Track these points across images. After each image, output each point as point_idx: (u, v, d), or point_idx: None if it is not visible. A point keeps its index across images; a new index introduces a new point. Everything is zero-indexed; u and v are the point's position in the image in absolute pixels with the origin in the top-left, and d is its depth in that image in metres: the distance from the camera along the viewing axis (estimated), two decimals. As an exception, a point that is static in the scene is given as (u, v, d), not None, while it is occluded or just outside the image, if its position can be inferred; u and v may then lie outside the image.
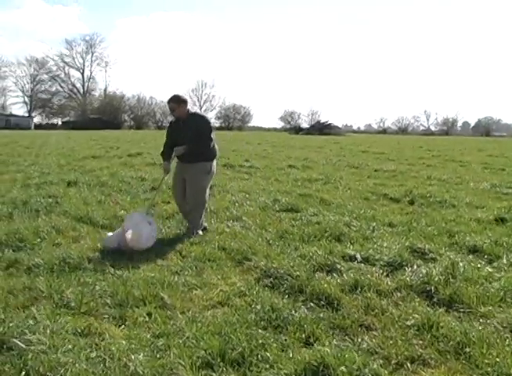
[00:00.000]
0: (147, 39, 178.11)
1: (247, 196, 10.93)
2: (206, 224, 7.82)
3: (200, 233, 7.47)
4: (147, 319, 4.51)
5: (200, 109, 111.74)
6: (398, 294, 5.08)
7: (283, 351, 3.89)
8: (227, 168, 17.27)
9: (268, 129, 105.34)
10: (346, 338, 4.19)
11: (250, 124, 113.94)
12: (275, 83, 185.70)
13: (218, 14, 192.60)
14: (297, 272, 5.52)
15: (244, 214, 8.82)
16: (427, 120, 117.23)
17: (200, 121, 7.68)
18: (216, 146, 7.81)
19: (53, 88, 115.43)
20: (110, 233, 6.98)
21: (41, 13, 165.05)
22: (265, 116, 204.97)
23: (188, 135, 7.39)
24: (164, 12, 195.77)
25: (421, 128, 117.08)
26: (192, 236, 7.27)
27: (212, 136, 7.62)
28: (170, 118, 8.53)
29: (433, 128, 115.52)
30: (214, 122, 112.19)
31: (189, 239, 7.13)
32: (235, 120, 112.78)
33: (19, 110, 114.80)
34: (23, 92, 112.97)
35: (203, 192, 7.62)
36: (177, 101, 7.56)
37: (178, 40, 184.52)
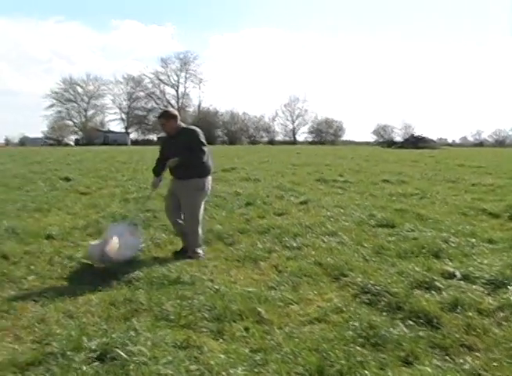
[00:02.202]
0: (239, 55, 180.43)
1: (342, 211, 10.84)
2: (202, 253, 7.40)
3: (201, 252, 7.33)
4: (245, 333, 4.54)
5: (293, 123, 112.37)
6: (501, 313, 4.87)
7: (381, 369, 3.82)
8: (321, 182, 17.23)
9: (361, 143, 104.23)
10: (447, 357, 4.07)
11: (342, 139, 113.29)
12: (368, 96, 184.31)
13: (308, 28, 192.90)
14: (395, 289, 5.42)
15: (339, 229, 8.75)
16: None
17: (191, 134, 7.39)
18: (210, 162, 7.56)
19: (149, 105, 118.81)
20: (93, 243, 7.00)
21: (136, 33, 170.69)
22: (358, 130, 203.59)
23: (179, 149, 7.23)
24: (256, 28, 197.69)
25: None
26: (193, 256, 7.17)
27: (205, 150, 7.33)
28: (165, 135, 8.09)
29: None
30: (307, 137, 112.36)
31: (189, 259, 7.07)
32: (327, 134, 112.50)
33: (116, 126, 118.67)
34: (120, 109, 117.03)
35: (196, 209, 7.40)
36: (166, 116, 7.43)
37: (270, 55, 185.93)
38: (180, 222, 7.53)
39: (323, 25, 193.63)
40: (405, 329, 4.52)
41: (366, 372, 3.73)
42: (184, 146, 7.21)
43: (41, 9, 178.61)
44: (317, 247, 7.53)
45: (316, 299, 5.40)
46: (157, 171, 7.65)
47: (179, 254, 7.32)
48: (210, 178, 7.56)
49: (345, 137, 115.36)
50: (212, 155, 7.65)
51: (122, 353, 4.00)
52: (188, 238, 7.41)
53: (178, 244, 7.74)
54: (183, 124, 7.44)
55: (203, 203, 7.54)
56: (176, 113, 7.52)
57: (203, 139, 7.34)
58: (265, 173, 20.66)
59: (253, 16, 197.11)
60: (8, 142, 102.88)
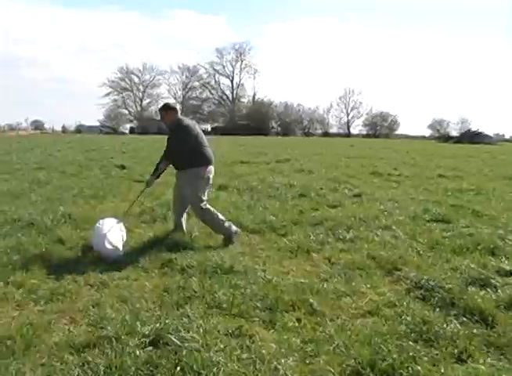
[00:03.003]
0: (295, 45, 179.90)
1: (396, 204, 10.74)
2: (233, 227, 7.52)
3: (234, 228, 7.44)
4: (296, 324, 4.55)
5: (347, 116, 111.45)
6: (560, 313, 4.78)
7: (434, 365, 3.80)
8: (375, 175, 17.09)
9: (416, 137, 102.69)
10: (501, 357, 4.02)
11: (397, 132, 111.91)
12: (425, 90, 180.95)
13: (364, 20, 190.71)
14: (449, 285, 5.36)
15: (393, 223, 8.68)
16: None
17: (177, 127, 7.41)
18: (207, 151, 7.54)
19: (204, 95, 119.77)
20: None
21: (191, 23, 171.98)
22: (413, 124, 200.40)
23: (171, 143, 7.38)
24: (312, 17, 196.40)
25: None
26: (231, 242, 7.30)
27: (188, 141, 7.32)
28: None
29: None
30: (361, 130, 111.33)
31: (231, 247, 7.17)
32: (382, 127, 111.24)
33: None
34: (175, 98, 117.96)
35: (197, 199, 7.37)
36: (165, 108, 7.55)
37: (326, 46, 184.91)
38: (181, 210, 7.77)
39: (380, 16, 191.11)
40: (458, 326, 4.46)
41: (419, 367, 3.70)
42: (175, 139, 7.35)
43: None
44: (370, 241, 7.50)
45: (369, 292, 5.37)
46: (156, 168, 7.67)
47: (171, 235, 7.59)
48: (210, 167, 7.51)
49: (400, 131, 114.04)
50: (207, 145, 7.58)
51: (175, 339, 4.06)
52: (213, 229, 7.56)
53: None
54: (182, 119, 7.47)
55: (202, 190, 7.44)
56: (176, 106, 7.66)
57: (184, 134, 7.34)
58: (318, 165, 20.60)
59: (309, 6, 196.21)
60: (64, 130, 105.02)
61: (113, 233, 6.74)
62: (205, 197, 7.47)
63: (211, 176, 7.55)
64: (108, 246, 6.51)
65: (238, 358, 3.85)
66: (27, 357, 3.91)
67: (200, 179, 7.38)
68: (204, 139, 7.60)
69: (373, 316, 4.77)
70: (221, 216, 7.48)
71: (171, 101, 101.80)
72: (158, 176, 7.69)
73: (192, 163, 7.37)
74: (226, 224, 7.42)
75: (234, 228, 7.46)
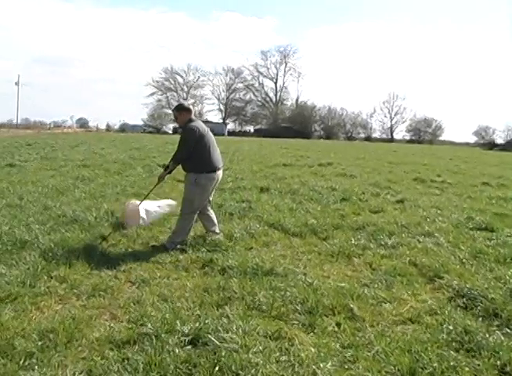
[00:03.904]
0: (340, 49, 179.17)
1: (439, 211, 10.61)
2: (186, 238, 7.34)
3: (173, 246, 7.10)
4: (336, 328, 4.54)
5: (391, 121, 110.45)
6: None
7: (475, 376, 3.75)
8: (418, 182, 16.89)
9: (460, 144, 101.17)
10: (548, 372, 3.94)
11: (441, 138, 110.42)
12: (470, 96, 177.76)
13: (410, 24, 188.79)
14: (492, 295, 5.26)
15: (436, 230, 8.56)
16: None
17: (182, 132, 7.42)
18: (212, 158, 7.33)
19: (247, 97, 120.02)
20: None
21: (237, 25, 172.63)
22: (458, 130, 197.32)
23: (179, 144, 7.33)
24: (356, 22, 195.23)
25: None
26: (166, 244, 7.11)
27: (183, 149, 7.22)
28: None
29: None
30: (404, 135, 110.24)
31: (166, 250, 6.98)
32: (425, 133, 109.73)
33: (214, 117, 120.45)
34: (218, 99, 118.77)
35: (187, 203, 7.30)
36: (178, 109, 7.47)
37: (371, 50, 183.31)
38: (204, 210, 7.65)
39: (427, 20, 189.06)
40: (502, 337, 4.38)
41: (459, 377, 3.66)
42: (180, 141, 7.29)
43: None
44: (412, 247, 7.41)
45: (410, 300, 5.31)
46: (168, 165, 7.63)
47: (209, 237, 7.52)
48: (212, 175, 7.33)
49: (444, 137, 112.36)
50: (215, 152, 7.43)
51: (214, 339, 4.10)
52: (173, 229, 7.45)
53: (273, 236, 7.85)
54: (192, 122, 7.33)
55: (196, 199, 7.30)
56: (189, 107, 7.51)
57: (185, 137, 7.25)
58: (360, 170, 20.47)
59: (354, 10, 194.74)
60: (109, 128, 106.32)
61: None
62: (199, 207, 7.39)
63: (212, 183, 7.41)
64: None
65: (277, 360, 3.86)
66: (68, 350, 3.99)
67: (195, 185, 7.22)
68: (211, 143, 7.39)
69: (414, 324, 4.72)
70: (186, 236, 7.35)
71: (214, 101, 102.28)
72: (170, 172, 7.68)
73: (191, 168, 7.29)
74: (178, 244, 7.16)
75: (175, 247, 7.11)
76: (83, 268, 5.99)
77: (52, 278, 5.62)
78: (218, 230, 7.69)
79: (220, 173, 7.49)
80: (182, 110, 7.43)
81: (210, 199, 7.76)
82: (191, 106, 7.51)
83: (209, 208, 7.71)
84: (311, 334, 4.44)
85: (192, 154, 7.17)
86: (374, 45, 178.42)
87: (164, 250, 6.94)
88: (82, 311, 4.77)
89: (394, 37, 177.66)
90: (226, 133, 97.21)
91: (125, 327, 4.44)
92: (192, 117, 7.41)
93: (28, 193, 10.94)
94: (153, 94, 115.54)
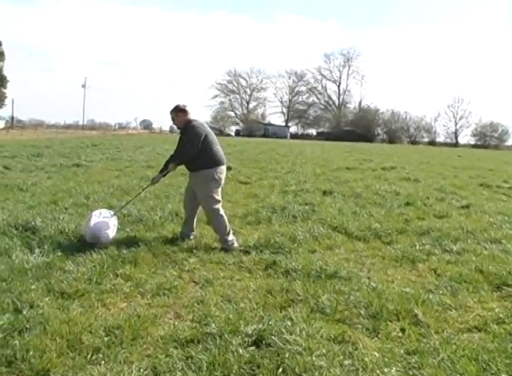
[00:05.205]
0: (403, 51, 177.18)
1: (506, 218, 10.32)
2: (235, 243, 7.32)
3: (231, 238, 7.30)
4: (400, 334, 4.48)
5: (455, 125, 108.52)
6: None
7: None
8: (483, 187, 16.52)
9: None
10: None
11: (507, 144, 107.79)
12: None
13: (476, 26, 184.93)
14: None
15: (503, 237, 8.34)
16: None
17: (184, 130, 7.51)
18: (217, 152, 7.47)
19: (310, 100, 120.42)
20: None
21: (300, 28, 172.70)
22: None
23: (180, 144, 7.47)
24: (420, 23, 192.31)
25: None
26: (225, 246, 7.19)
27: (190, 146, 7.28)
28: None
29: None
30: (469, 140, 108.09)
31: (223, 251, 7.06)
32: (491, 138, 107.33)
33: (276, 119, 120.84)
34: (281, 102, 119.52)
35: (209, 200, 7.35)
36: (175, 110, 7.53)
37: (435, 52, 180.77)
38: (191, 212, 7.71)
39: (491, 21, 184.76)
40: None
41: (530, 388, 3.57)
42: (184, 141, 7.42)
43: (209, 2, 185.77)
44: (478, 254, 7.25)
45: (476, 307, 5.20)
46: (165, 166, 7.76)
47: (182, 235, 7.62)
48: (221, 168, 7.45)
49: (510, 142, 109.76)
50: (218, 146, 7.53)
51: (278, 341, 4.10)
52: (215, 230, 7.48)
53: (337, 239, 7.83)
54: (191, 121, 7.47)
55: (215, 193, 7.40)
56: (185, 108, 7.56)
57: (191, 135, 7.34)
58: (424, 174, 20.20)
59: (419, 11, 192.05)
60: (172, 130, 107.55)
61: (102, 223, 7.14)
62: (218, 197, 7.44)
63: (223, 176, 7.50)
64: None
65: (340, 364, 3.83)
66: (133, 347, 4.05)
67: (211, 181, 7.33)
68: (215, 139, 7.56)
69: (480, 332, 4.61)
70: (228, 226, 7.39)
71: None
72: (165, 175, 7.80)
73: (202, 165, 7.35)
74: (230, 237, 7.31)
75: (235, 244, 7.30)
76: (148, 267, 6.11)
77: (117, 276, 5.74)
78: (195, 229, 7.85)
79: (225, 168, 7.61)
80: (178, 112, 7.55)
81: None
82: (187, 108, 7.60)
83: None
84: (375, 338, 4.39)
85: (200, 151, 7.29)
86: (439, 47, 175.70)
87: (226, 251, 7.02)
88: (147, 309, 4.84)
89: (459, 38, 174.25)
90: (289, 136, 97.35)
91: (189, 327, 4.48)
92: (190, 117, 7.54)
93: (94, 193, 11.24)
94: (216, 96, 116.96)
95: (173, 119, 7.64)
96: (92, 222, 7.05)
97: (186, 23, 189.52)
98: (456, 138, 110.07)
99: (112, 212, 7.62)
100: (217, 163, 7.41)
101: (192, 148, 7.27)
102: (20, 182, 12.61)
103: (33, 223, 7.70)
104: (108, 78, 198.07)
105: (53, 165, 17.68)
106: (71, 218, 8.27)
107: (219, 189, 7.47)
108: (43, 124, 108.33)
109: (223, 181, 7.56)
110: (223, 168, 7.52)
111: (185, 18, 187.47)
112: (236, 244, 7.25)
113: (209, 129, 7.59)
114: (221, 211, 7.39)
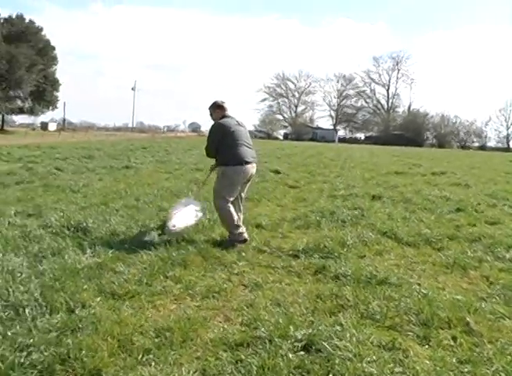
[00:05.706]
0: (454, 54, 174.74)
1: None
2: (245, 235, 7.49)
3: (237, 231, 7.41)
4: (452, 342, 4.40)
5: (507, 129, 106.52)
6: None
7: None
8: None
9: None
10: None
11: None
12: None
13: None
14: None
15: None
16: None
17: (213, 125, 7.77)
18: (241, 151, 7.52)
19: (358, 104, 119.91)
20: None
21: (349, 31, 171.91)
22: None
23: (207, 140, 7.78)
24: (470, 25, 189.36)
25: None
26: (231, 238, 7.41)
27: (209, 143, 7.68)
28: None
29: None
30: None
31: (230, 247, 7.19)
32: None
33: (325, 123, 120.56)
34: (329, 106, 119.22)
35: (216, 195, 7.52)
36: (212, 106, 7.84)
37: (486, 55, 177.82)
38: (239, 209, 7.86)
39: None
40: None
41: None
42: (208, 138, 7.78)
43: (257, 6, 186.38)
44: (533, 262, 7.08)
45: (531, 317, 5.08)
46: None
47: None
48: (237, 168, 7.48)
49: None
50: (244, 146, 7.58)
51: (328, 346, 4.07)
52: (224, 227, 7.66)
53: (386, 245, 7.75)
54: (226, 116, 7.74)
55: (226, 191, 7.48)
56: (223, 104, 7.85)
57: (209, 133, 7.85)
58: (475, 179, 19.84)
59: (469, 13, 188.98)
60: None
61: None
62: (228, 197, 7.47)
63: (241, 177, 7.57)
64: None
65: (391, 371, 3.79)
66: (183, 349, 4.07)
67: (224, 178, 7.50)
68: (241, 139, 7.60)
69: (537, 343, 4.50)
70: (237, 221, 7.48)
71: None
72: (213, 169, 8.11)
73: (220, 161, 7.63)
74: (239, 230, 7.42)
75: (244, 236, 7.43)
76: (197, 269, 6.14)
77: (167, 278, 5.78)
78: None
79: (249, 167, 7.62)
80: (216, 107, 7.83)
81: (243, 195, 7.98)
82: (224, 104, 7.83)
83: (240, 203, 7.93)
84: (427, 346, 4.32)
85: (219, 148, 7.55)
86: (490, 50, 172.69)
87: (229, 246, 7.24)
88: (197, 311, 4.87)
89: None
90: (337, 140, 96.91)
91: (239, 330, 4.49)
92: (226, 113, 7.80)
93: (144, 195, 11.37)
94: (264, 100, 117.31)
95: (211, 114, 7.87)
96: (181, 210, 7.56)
97: (234, 27, 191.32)
98: (508, 142, 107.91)
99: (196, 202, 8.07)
100: (232, 162, 7.48)
101: (208, 145, 7.70)
102: (72, 183, 12.92)
103: (84, 224, 7.84)
104: (156, 81, 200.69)
105: (104, 167, 18.06)
106: (122, 220, 8.38)
107: (233, 188, 7.53)
108: (93, 127, 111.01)
109: (241, 182, 7.65)
110: (241, 167, 7.51)
111: (232, 22, 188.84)
112: (245, 236, 7.45)
113: (239, 128, 7.67)
114: (227, 208, 7.45)
